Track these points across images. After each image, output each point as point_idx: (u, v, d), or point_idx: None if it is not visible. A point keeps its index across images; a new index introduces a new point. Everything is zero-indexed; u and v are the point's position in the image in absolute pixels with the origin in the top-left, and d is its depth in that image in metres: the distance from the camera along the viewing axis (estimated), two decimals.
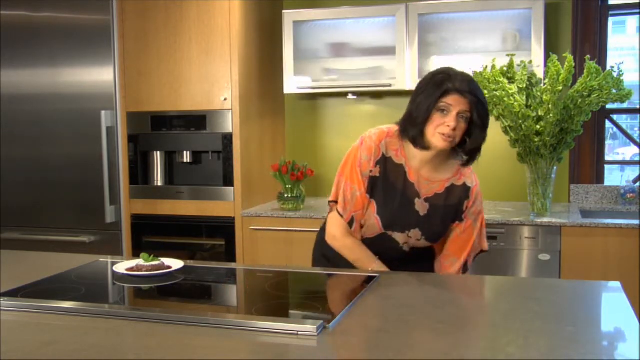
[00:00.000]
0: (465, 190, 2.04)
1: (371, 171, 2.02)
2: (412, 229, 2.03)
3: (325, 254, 2.20)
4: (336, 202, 2.09)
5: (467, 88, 1.88)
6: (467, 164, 2.03)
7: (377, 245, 2.08)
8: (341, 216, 2.06)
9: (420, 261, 2.12)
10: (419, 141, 1.95)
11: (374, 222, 2.04)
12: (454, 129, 1.88)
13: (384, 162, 2.02)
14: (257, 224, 3.40)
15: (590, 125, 3.53)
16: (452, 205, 2.04)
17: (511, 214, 3.17)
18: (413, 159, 2.02)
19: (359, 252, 2.07)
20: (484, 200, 2.19)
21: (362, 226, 2.07)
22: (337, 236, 2.09)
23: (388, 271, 2.04)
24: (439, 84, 1.89)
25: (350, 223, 2.06)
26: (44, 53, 3.59)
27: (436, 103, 1.88)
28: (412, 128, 1.94)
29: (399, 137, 2.02)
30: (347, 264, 2.10)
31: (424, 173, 2.03)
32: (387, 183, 2.02)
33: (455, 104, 1.87)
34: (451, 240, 2.08)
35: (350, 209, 2.04)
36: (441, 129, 1.89)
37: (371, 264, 2.05)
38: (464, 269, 2.10)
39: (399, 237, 2.05)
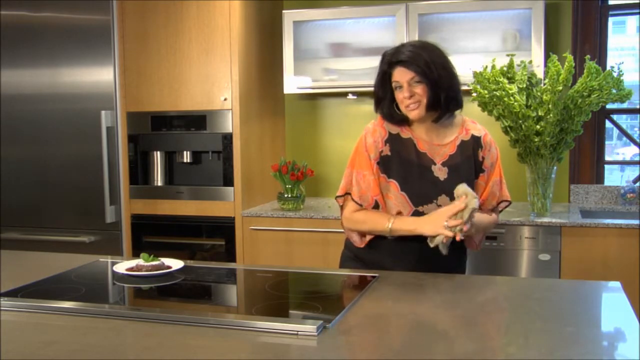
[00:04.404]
0: (476, 140, 2.10)
1: (382, 151, 2.07)
2: (439, 197, 2.04)
3: (356, 255, 2.18)
4: (343, 195, 2.14)
5: (405, 57, 1.98)
6: (452, 112, 2.09)
7: None
8: (360, 205, 2.09)
9: (452, 254, 2.09)
10: (395, 116, 2.07)
11: (403, 201, 2.04)
12: (412, 96, 1.99)
13: (392, 139, 2.08)
14: (257, 224, 3.40)
15: (590, 125, 3.53)
16: (468, 159, 2.08)
17: (511, 214, 3.17)
18: (417, 130, 2.09)
19: (372, 217, 2.07)
20: None
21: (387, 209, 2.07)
22: (347, 215, 2.13)
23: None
24: (383, 63, 2.04)
25: (376, 207, 2.08)
26: (44, 53, 3.59)
27: (386, 82, 2.03)
28: (383, 107, 2.08)
29: None
30: (375, 263, 2.09)
31: (433, 140, 2.08)
32: (400, 158, 2.06)
33: (401, 77, 1.99)
34: (484, 195, 2.11)
35: (370, 195, 2.07)
36: (404, 103, 2.01)
37: (387, 222, 2.03)
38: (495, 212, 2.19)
39: (429, 209, 2.04)
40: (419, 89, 1.98)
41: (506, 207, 2.19)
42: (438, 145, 2.08)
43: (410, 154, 2.06)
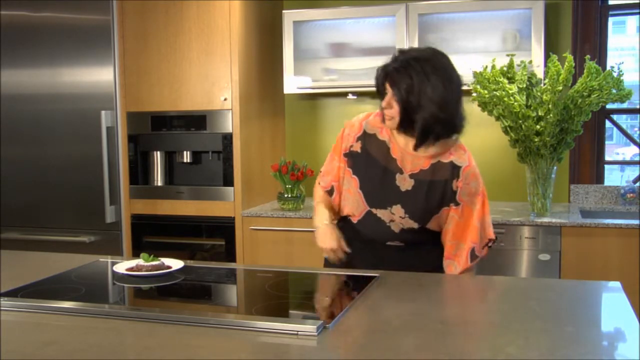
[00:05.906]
0: (454, 168, 2.00)
1: (351, 146, 2.11)
2: (394, 205, 2.03)
3: None
4: None
5: (395, 78, 1.92)
6: (424, 141, 1.96)
7: (368, 227, 2.09)
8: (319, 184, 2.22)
9: (419, 259, 2.10)
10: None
11: (358, 198, 2.08)
12: (385, 108, 1.97)
13: (366, 137, 2.10)
14: (257, 224, 3.40)
15: (590, 125, 3.53)
16: (438, 182, 2.00)
17: (511, 214, 3.17)
18: (398, 136, 2.05)
19: (320, 208, 2.17)
20: None
21: (344, 203, 2.14)
22: (317, 187, 2.24)
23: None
24: (382, 67, 1.98)
25: (331, 192, 2.17)
26: (44, 53, 3.59)
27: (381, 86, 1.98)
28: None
29: None
30: (355, 250, 2.11)
31: (410, 149, 2.02)
32: (368, 158, 2.08)
33: (388, 88, 1.96)
34: (452, 227, 2.04)
35: (330, 178, 2.17)
36: (383, 108, 1.99)
37: (317, 221, 2.13)
38: (472, 256, 2.03)
39: (383, 214, 2.05)
40: (395, 107, 1.93)
41: (493, 244, 2.12)
42: (412, 155, 2.02)
43: (380, 156, 2.06)
